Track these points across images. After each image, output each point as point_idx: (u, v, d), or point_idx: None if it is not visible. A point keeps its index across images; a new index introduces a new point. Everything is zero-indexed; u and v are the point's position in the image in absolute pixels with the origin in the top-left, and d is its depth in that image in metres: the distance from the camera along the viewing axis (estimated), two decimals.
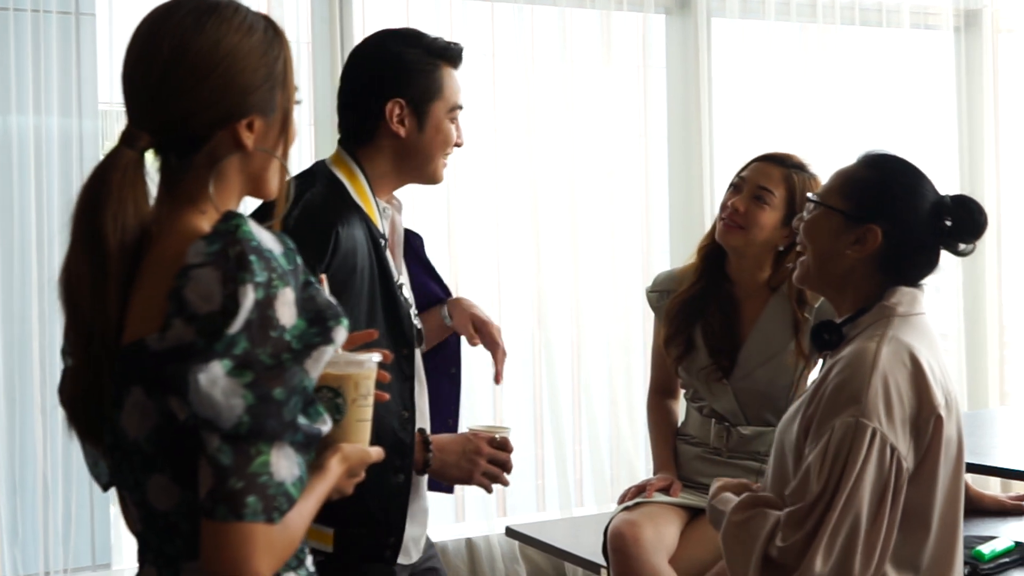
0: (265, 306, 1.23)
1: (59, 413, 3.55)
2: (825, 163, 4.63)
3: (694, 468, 2.83)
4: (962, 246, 2.01)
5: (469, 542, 4.19)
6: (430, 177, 2.20)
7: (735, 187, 2.74)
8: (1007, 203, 5.13)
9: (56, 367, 3.52)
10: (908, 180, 2.01)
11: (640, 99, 4.54)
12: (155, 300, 1.26)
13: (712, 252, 2.81)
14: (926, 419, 1.87)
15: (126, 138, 1.34)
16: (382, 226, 2.12)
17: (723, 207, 2.74)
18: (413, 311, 2.18)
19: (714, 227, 2.80)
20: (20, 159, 3.52)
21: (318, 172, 2.15)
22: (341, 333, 1.30)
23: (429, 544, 2.29)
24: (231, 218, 1.29)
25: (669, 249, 4.60)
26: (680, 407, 3.01)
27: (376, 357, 1.46)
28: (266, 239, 1.28)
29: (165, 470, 1.29)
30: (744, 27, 4.64)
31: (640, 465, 4.41)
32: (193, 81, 1.33)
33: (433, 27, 4.07)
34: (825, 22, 4.73)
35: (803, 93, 4.70)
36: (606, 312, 4.39)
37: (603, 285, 4.39)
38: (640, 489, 2.78)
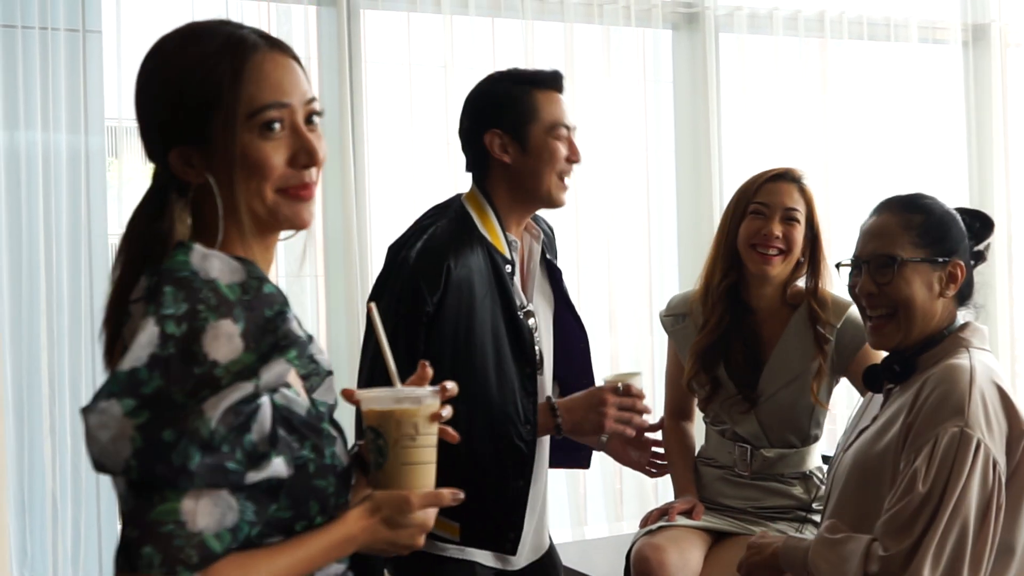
0: (186, 341, 1.13)
1: (68, 432, 3.55)
2: (834, 178, 4.64)
3: (716, 489, 2.80)
4: (981, 249, 2.10)
5: None
6: (547, 199, 2.33)
7: (758, 213, 2.71)
8: (1017, 217, 5.11)
9: (65, 386, 3.51)
10: (947, 209, 2.09)
11: (647, 115, 4.52)
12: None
13: (731, 287, 2.77)
14: (1017, 438, 1.90)
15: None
16: (509, 255, 2.28)
17: (753, 235, 2.70)
18: (539, 335, 2.36)
19: (726, 261, 2.77)
20: (28, 175, 3.52)
21: (450, 206, 2.34)
22: (276, 367, 1.17)
23: (549, 550, 2.48)
24: (175, 248, 1.21)
25: (677, 265, 4.58)
26: (696, 428, 2.98)
27: (424, 391, 1.31)
28: (213, 268, 1.18)
29: None
30: (752, 42, 4.63)
31: (647, 481, 4.37)
32: (136, 103, 1.30)
33: (435, 42, 4.08)
34: (833, 37, 4.72)
35: (812, 108, 4.69)
36: (611, 327, 4.37)
37: (608, 300, 4.37)
38: (663, 512, 2.76)
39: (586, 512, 4.39)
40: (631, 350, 4.38)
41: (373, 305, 1.43)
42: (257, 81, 1.26)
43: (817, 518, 2.60)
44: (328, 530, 1.24)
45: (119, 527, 3.69)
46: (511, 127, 2.28)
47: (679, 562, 2.59)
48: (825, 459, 2.73)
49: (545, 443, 2.39)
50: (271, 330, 1.18)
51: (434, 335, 2.16)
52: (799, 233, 2.71)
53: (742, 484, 2.77)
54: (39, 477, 3.49)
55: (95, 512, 3.57)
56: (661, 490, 4.35)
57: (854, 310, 2.45)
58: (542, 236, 2.42)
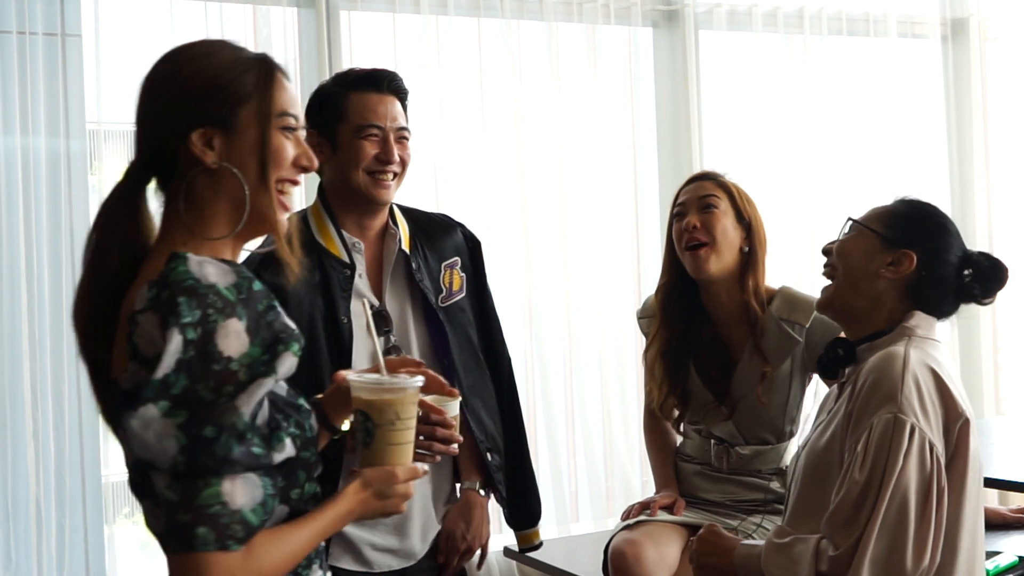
0: (203, 342, 1.27)
1: (51, 436, 3.54)
2: (816, 173, 4.66)
3: (694, 484, 2.81)
4: (985, 300, 2.10)
5: None
6: (366, 196, 2.32)
7: (679, 215, 2.74)
8: (997, 209, 5.14)
9: (47, 391, 3.50)
10: (942, 222, 2.10)
11: (629, 112, 4.54)
12: (121, 341, 1.32)
13: (673, 292, 2.79)
14: (953, 422, 1.92)
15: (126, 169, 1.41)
16: (348, 260, 2.30)
17: (679, 235, 2.72)
18: (396, 333, 2.33)
19: (668, 265, 2.80)
20: (8, 180, 3.51)
21: (299, 213, 2.35)
22: (287, 361, 1.32)
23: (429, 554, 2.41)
24: (171, 259, 1.33)
25: (661, 260, 4.58)
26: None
27: (415, 382, 1.46)
28: (210, 273, 1.31)
29: (149, 497, 1.31)
30: (731, 39, 4.65)
31: (636, 479, 4.39)
32: (148, 95, 1.41)
33: (420, 42, 4.09)
34: (812, 32, 4.75)
35: (792, 103, 4.71)
36: (598, 325, 4.38)
37: (595, 298, 4.38)
38: (644, 506, 2.77)
39: (577, 509, 4.40)
40: (618, 347, 4.39)
41: (365, 302, 1.59)
42: (280, 90, 1.44)
43: None
44: (333, 505, 1.41)
45: (106, 532, 3.69)
46: (325, 128, 2.33)
47: (656, 556, 2.60)
48: None
49: None
50: (267, 323, 1.32)
51: None
52: (720, 220, 2.69)
53: (719, 479, 2.78)
54: (23, 482, 3.48)
55: (80, 516, 3.56)
56: (648, 487, 4.36)
57: None
58: (399, 235, 2.38)
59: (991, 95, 5.15)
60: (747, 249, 2.73)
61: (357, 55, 4.10)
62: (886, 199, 2.17)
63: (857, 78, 4.89)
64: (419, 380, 1.47)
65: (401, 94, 2.37)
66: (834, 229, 2.20)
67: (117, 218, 1.39)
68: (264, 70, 1.44)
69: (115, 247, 1.38)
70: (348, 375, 1.47)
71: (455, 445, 2.14)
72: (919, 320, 2.03)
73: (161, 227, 1.42)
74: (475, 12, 4.19)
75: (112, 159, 3.72)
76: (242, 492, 1.27)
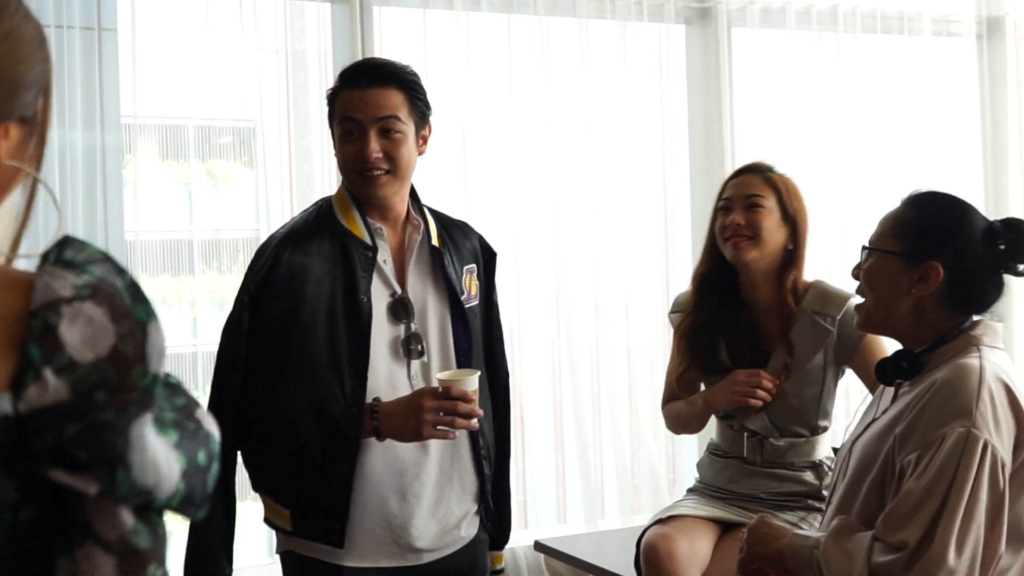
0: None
1: None
2: (848, 172, 4.64)
3: (727, 477, 2.82)
4: (1021, 267, 2.06)
5: None
6: (358, 193, 2.30)
7: (725, 209, 2.77)
8: None
9: None
10: (957, 212, 2.06)
11: (660, 109, 4.53)
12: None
13: (710, 278, 2.81)
14: None
15: None
16: (369, 240, 2.26)
17: (722, 229, 2.75)
18: (419, 322, 2.30)
19: (707, 254, 2.82)
20: (45, 172, 3.53)
21: (324, 198, 2.38)
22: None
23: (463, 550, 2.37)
24: (84, 246, 1.00)
25: (691, 256, 4.58)
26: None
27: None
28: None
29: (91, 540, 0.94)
30: (764, 36, 4.63)
31: (663, 474, 4.39)
32: None
33: (450, 38, 4.10)
34: (846, 30, 4.72)
35: (824, 102, 4.68)
36: (627, 321, 4.38)
37: (624, 294, 4.38)
38: (750, 385, 2.68)
39: (604, 505, 4.41)
40: (646, 343, 4.39)
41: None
42: None
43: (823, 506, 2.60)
44: None
45: None
46: (331, 124, 2.31)
47: (688, 552, 2.61)
48: (836, 449, 2.74)
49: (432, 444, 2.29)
50: None
51: (260, 307, 2.21)
52: (765, 218, 2.72)
53: (752, 472, 2.78)
54: None
55: None
56: (677, 485, 4.37)
57: (853, 302, 2.48)
58: (422, 226, 2.34)
59: None
60: (791, 247, 2.75)
61: (389, 50, 4.12)
62: (893, 202, 2.13)
63: (891, 76, 4.86)
64: None
65: (393, 82, 2.24)
66: (867, 227, 2.19)
67: None
68: (50, 51, 1.15)
69: None
70: None
71: (475, 420, 2.18)
72: (984, 329, 2.02)
73: None
74: (507, 8, 4.20)
75: (145, 153, 3.74)
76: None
